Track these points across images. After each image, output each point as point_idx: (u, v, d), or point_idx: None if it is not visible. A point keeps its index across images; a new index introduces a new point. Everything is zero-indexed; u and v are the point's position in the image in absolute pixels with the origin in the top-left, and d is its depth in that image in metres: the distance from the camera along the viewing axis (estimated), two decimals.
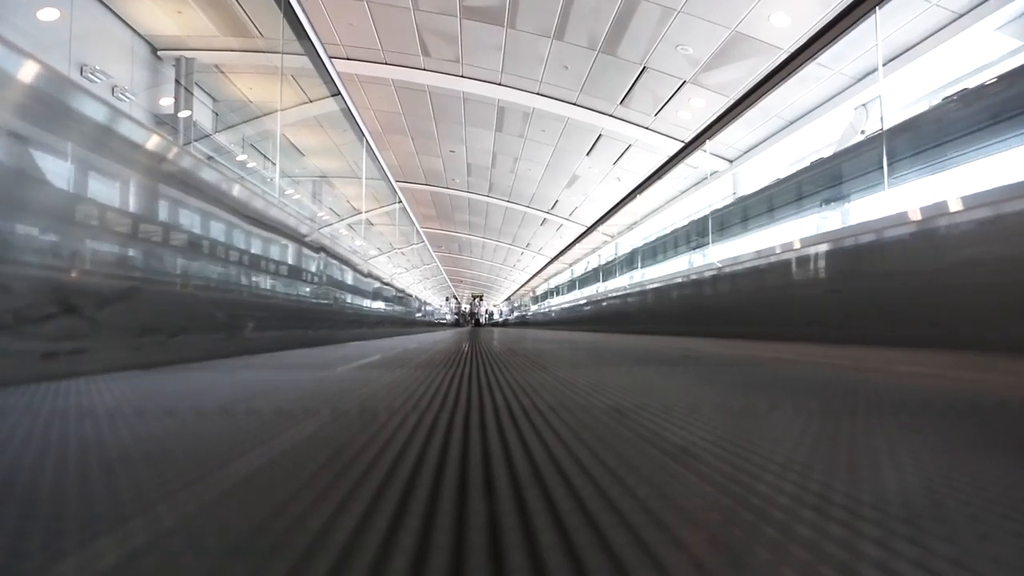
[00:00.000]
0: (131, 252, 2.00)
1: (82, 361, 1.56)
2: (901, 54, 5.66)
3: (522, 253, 22.97)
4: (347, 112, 9.30)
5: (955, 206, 2.50)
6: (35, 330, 1.40)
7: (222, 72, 9.24)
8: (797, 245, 4.11)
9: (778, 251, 4.58)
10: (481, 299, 38.53)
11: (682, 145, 8.84)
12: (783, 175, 6.26)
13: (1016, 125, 2.82)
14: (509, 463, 0.76)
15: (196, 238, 2.48)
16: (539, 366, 2.39)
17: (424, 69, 9.07)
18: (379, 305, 8.84)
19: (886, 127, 3.79)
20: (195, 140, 8.73)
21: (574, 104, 9.24)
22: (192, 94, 8.80)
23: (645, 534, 0.50)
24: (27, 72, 1.59)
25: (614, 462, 0.75)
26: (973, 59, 5.21)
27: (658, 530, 0.51)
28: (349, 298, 6.96)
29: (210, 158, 9.18)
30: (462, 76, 9.09)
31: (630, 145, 10.20)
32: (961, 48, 5.46)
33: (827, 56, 5.91)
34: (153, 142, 2.29)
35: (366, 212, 14.45)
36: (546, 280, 21.39)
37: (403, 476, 0.69)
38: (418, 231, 18.71)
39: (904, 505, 0.58)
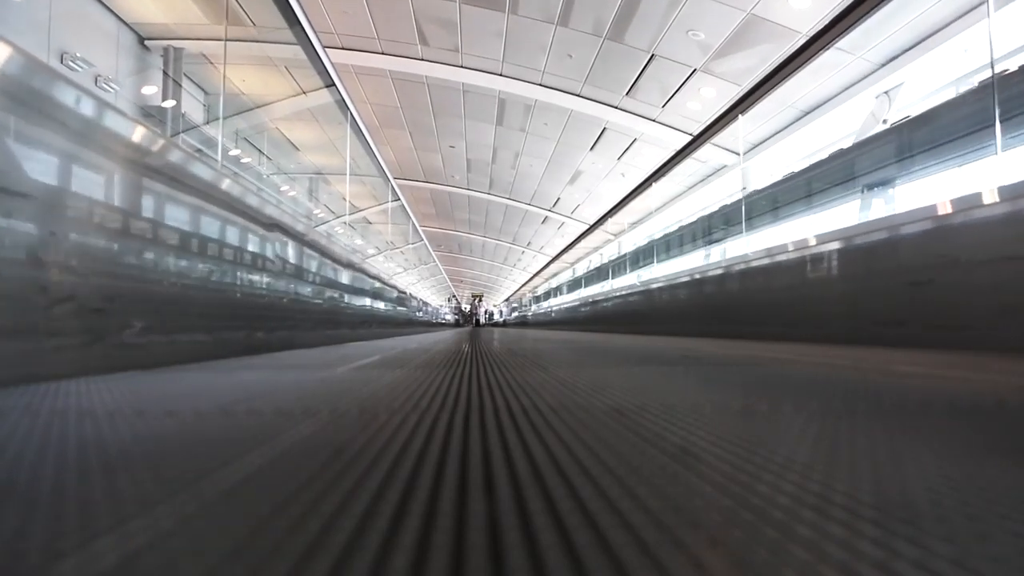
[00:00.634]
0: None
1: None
2: (934, 34, 5.30)
3: (523, 252, 22.65)
4: (342, 104, 8.98)
5: None
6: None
7: (210, 62, 8.91)
8: (831, 239, 3.77)
9: (812, 244, 4.24)
10: (481, 299, 38.34)
11: (690, 138, 8.51)
12: (799, 168, 5.95)
13: None
14: (509, 463, 0.76)
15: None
16: (539, 366, 2.37)
17: (422, 59, 8.71)
18: (378, 306, 8.45)
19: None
20: (183, 131, 8.41)
21: (578, 96, 8.89)
22: (180, 85, 8.47)
23: (645, 534, 0.50)
24: None
25: (614, 462, 0.75)
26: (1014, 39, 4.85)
27: (658, 530, 0.51)
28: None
29: (200, 152, 8.88)
30: (461, 66, 8.74)
31: (635, 139, 9.84)
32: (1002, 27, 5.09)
33: (848, 40, 5.56)
34: (140, 136, 2.22)
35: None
36: (546, 280, 21.18)
37: (403, 476, 0.69)
38: (417, 229, 18.39)
39: (906, 506, 0.58)
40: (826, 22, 4.94)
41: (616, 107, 8.92)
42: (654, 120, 8.99)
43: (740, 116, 6.74)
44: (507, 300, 35.18)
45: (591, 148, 10.89)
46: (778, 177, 6.71)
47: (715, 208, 8.07)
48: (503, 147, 11.98)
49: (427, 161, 13.75)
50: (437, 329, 16.67)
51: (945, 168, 3.62)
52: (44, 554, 0.46)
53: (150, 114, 8.01)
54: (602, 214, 12.99)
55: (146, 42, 8.15)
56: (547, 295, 20.44)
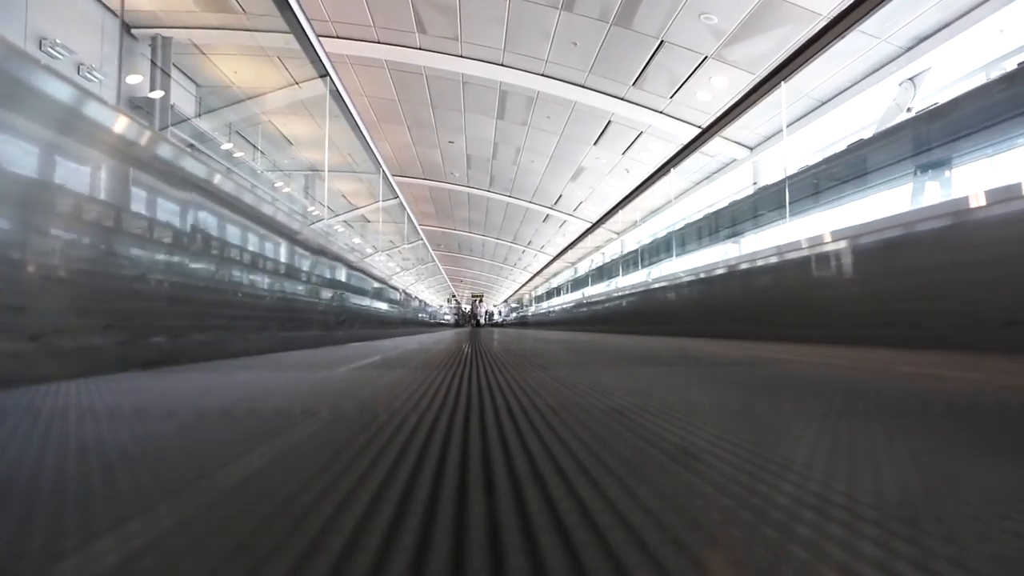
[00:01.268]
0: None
1: None
2: (968, 13, 4.96)
3: (523, 252, 22.35)
4: (336, 95, 8.65)
5: None
6: None
7: (202, 52, 8.58)
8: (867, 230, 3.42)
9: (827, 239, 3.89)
10: (481, 300, 38.11)
11: (699, 131, 8.17)
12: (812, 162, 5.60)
13: None
14: (509, 463, 0.75)
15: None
16: (538, 366, 2.36)
17: (420, 48, 8.37)
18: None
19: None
20: (172, 125, 8.08)
21: (582, 86, 8.54)
22: (169, 76, 8.13)
23: (645, 534, 0.49)
24: None
25: (614, 462, 0.75)
26: None
27: (658, 530, 0.50)
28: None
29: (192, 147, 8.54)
30: (461, 56, 8.39)
31: (642, 132, 9.50)
32: None
33: (873, 22, 5.22)
34: (124, 128, 2.07)
35: (343, 210, 13.80)
36: (547, 280, 20.99)
37: (403, 476, 0.69)
38: (416, 228, 18.08)
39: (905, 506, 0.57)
40: (850, 1, 4.61)
41: (622, 98, 8.57)
42: (661, 112, 8.65)
43: (753, 106, 6.41)
44: (507, 300, 35.04)
45: (595, 143, 10.55)
46: (794, 170, 6.38)
47: (723, 205, 7.77)
48: (504, 142, 11.63)
49: (426, 157, 13.40)
50: (437, 329, 16.50)
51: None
52: (44, 554, 0.46)
53: (138, 106, 7.68)
54: (605, 212, 12.68)
55: (133, 31, 7.80)
56: (547, 295, 20.26)
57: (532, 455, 0.80)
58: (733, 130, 7.81)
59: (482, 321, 36.12)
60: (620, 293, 9.65)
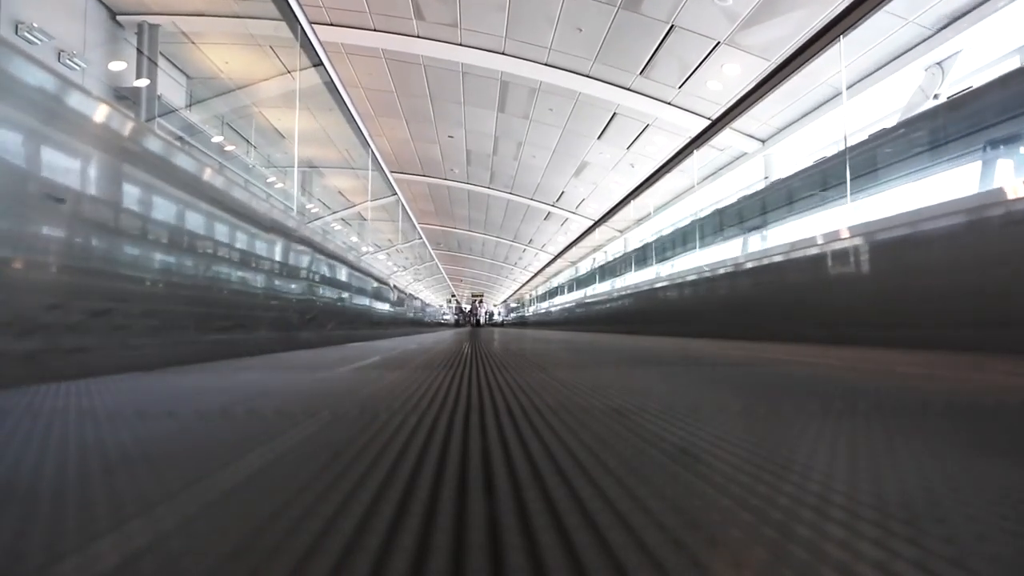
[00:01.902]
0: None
1: None
2: None
3: (524, 250, 22.04)
4: (331, 85, 8.33)
5: None
6: None
7: (191, 41, 8.24)
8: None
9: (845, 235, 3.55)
10: (481, 299, 37.95)
11: (709, 123, 7.83)
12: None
13: None
14: (509, 463, 0.75)
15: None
16: (538, 367, 2.36)
17: (418, 36, 8.03)
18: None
19: None
20: (159, 116, 7.76)
21: (587, 76, 8.20)
22: (156, 65, 7.79)
23: (645, 534, 0.49)
24: None
25: (614, 462, 0.75)
26: None
27: (658, 530, 0.50)
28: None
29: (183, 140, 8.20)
30: (460, 44, 8.05)
31: (648, 125, 9.16)
32: None
33: (902, 2, 4.88)
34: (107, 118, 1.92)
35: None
36: (548, 280, 20.76)
37: (403, 477, 0.69)
38: (415, 226, 17.77)
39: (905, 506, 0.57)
40: None
41: (628, 88, 8.22)
42: (669, 103, 8.31)
43: (771, 92, 6.07)
44: (508, 300, 34.87)
45: (599, 136, 10.21)
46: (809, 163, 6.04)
47: (732, 200, 7.46)
48: (505, 136, 11.29)
49: (425, 153, 13.06)
50: (437, 329, 16.34)
51: None
52: (44, 555, 0.46)
53: (123, 96, 7.35)
54: (608, 209, 12.35)
55: (118, 17, 7.46)
56: (548, 295, 20.05)
57: (532, 455, 0.80)
58: (744, 121, 7.47)
59: (482, 321, 36.09)
60: (623, 292, 9.47)
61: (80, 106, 1.90)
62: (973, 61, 5.27)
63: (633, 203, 11.07)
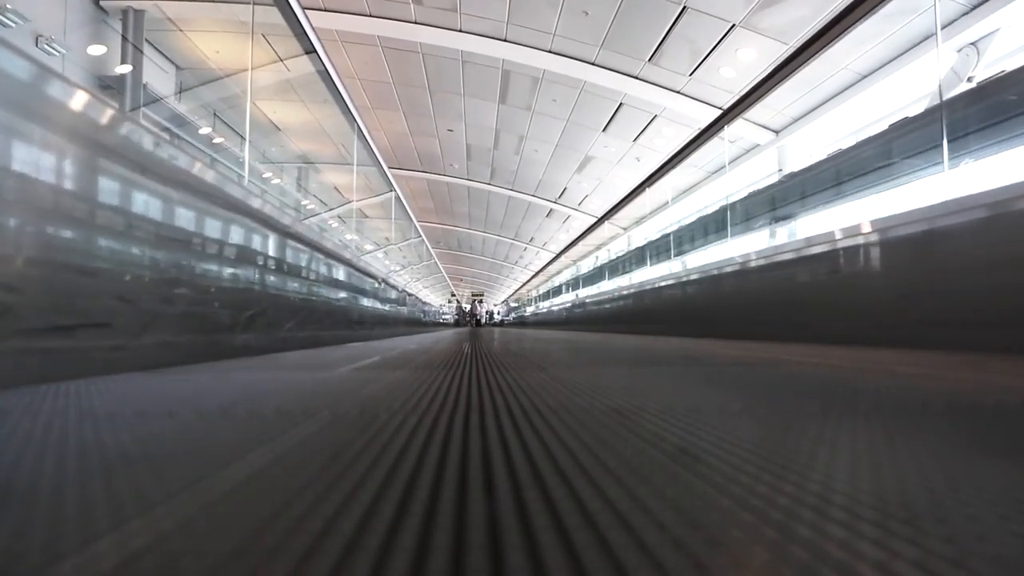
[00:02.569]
0: None
1: None
2: None
3: (525, 249, 21.70)
4: (324, 74, 7.97)
5: None
6: None
7: (180, 29, 7.89)
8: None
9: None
10: (481, 299, 37.79)
11: (720, 112, 7.47)
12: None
13: None
14: (509, 464, 0.75)
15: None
16: (538, 367, 2.35)
17: (416, 23, 7.66)
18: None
19: None
20: (144, 105, 7.41)
21: (592, 64, 7.83)
22: (142, 53, 7.44)
23: (645, 534, 0.49)
24: None
25: (614, 463, 0.75)
26: None
27: (658, 530, 0.50)
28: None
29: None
30: (460, 31, 7.68)
31: (655, 116, 8.79)
32: None
33: None
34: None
35: (326, 204, 13.09)
36: (549, 279, 20.53)
37: (403, 477, 0.68)
38: (414, 225, 17.45)
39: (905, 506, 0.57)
40: None
41: (636, 77, 7.86)
42: (679, 92, 7.94)
43: (790, 77, 5.70)
44: (508, 299, 34.68)
45: (604, 129, 9.84)
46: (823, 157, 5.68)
47: (743, 195, 7.12)
48: (506, 130, 10.92)
49: (424, 147, 12.70)
50: (437, 329, 16.11)
51: None
52: (44, 555, 0.46)
53: (107, 85, 7.00)
54: (612, 205, 12.00)
55: (102, 3, 7.11)
56: (549, 294, 19.81)
57: (532, 455, 0.79)
58: (758, 111, 7.11)
59: (482, 321, 35.97)
60: (626, 291, 9.24)
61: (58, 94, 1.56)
62: (1012, 41, 4.91)
63: (638, 199, 10.73)
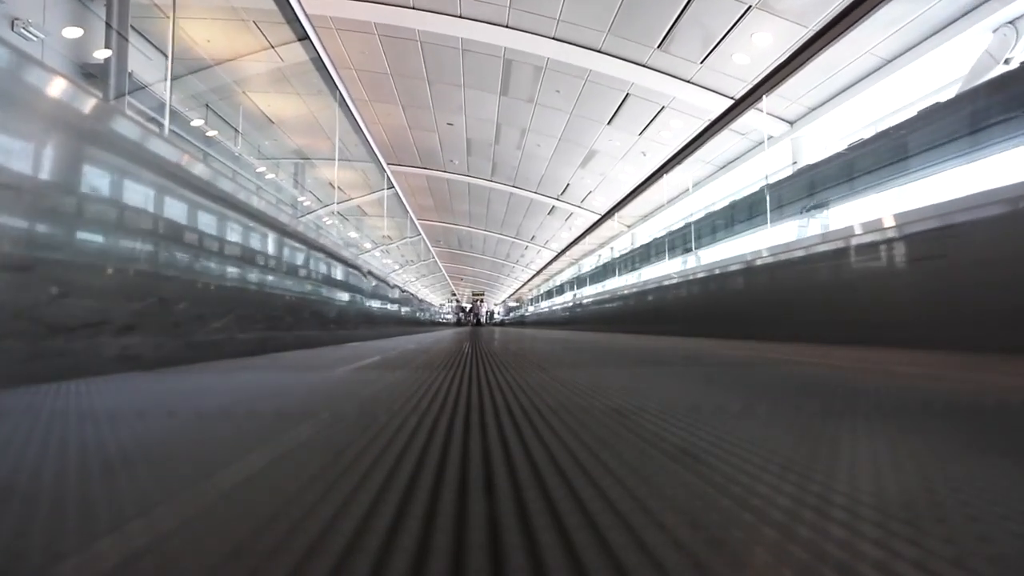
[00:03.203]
0: None
1: None
2: None
3: (526, 247, 21.38)
4: (318, 62, 7.62)
5: None
6: None
7: (167, 16, 7.54)
8: None
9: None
10: (482, 299, 37.68)
11: (732, 102, 7.12)
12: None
13: None
14: (509, 464, 0.75)
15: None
16: (539, 367, 2.33)
17: (413, 8, 7.31)
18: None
19: None
20: (129, 93, 7.07)
21: (599, 51, 7.47)
22: (127, 39, 7.09)
23: (645, 534, 0.49)
24: None
25: (614, 463, 0.75)
26: None
27: (658, 530, 0.50)
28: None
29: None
30: (460, 16, 7.33)
31: (664, 107, 8.44)
32: None
33: None
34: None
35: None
36: (550, 278, 20.28)
37: (403, 477, 0.68)
38: (414, 222, 17.14)
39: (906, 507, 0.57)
40: None
41: (644, 65, 7.50)
42: (689, 81, 7.58)
43: (805, 66, 5.36)
44: (509, 299, 34.51)
45: (609, 121, 9.49)
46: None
47: (753, 190, 6.80)
48: (507, 123, 10.58)
49: (422, 142, 12.35)
50: (437, 328, 15.81)
51: None
52: (44, 555, 0.46)
53: (91, 73, 6.66)
54: (617, 201, 11.65)
55: None
56: (550, 294, 19.57)
57: (532, 455, 0.79)
58: (772, 100, 6.75)
59: (483, 320, 35.91)
60: (628, 291, 9.00)
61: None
62: None
63: (643, 195, 10.40)
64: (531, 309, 23.10)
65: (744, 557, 0.44)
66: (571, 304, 13.95)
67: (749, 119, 7.38)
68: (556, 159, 11.81)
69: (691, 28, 6.46)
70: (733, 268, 5.16)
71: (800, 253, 4.28)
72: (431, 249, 22.26)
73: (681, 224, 8.51)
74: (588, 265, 15.02)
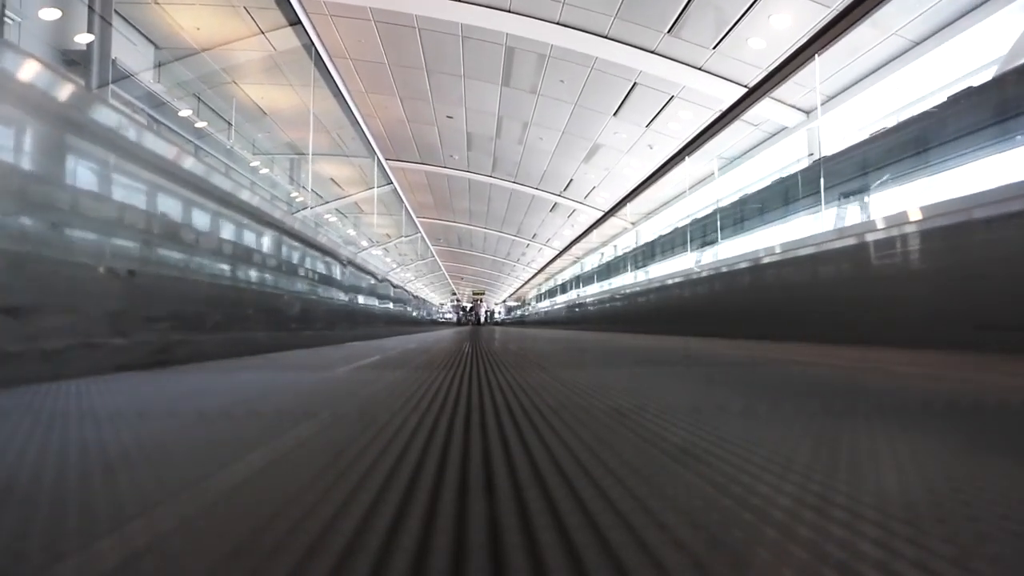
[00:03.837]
0: None
1: None
2: None
3: (527, 246, 21.02)
4: (309, 48, 7.28)
5: None
6: None
7: (156, 2, 7.19)
8: None
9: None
10: (482, 298, 37.52)
11: (746, 91, 6.77)
12: None
13: None
14: (509, 463, 0.74)
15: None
16: (539, 366, 2.32)
17: None
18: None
19: None
20: (113, 82, 6.73)
21: (605, 37, 7.11)
22: (111, 24, 6.74)
23: (645, 534, 0.49)
24: None
25: (614, 462, 0.74)
26: None
27: (658, 530, 0.49)
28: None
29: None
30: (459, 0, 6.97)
31: (673, 96, 8.07)
32: None
33: None
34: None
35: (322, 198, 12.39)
36: (551, 277, 20.01)
37: (404, 477, 0.68)
38: (413, 220, 16.82)
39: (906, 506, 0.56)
40: None
41: (653, 51, 7.14)
42: (700, 68, 7.22)
43: (825, 50, 5.03)
44: (510, 298, 34.30)
45: (615, 113, 9.12)
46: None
47: (763, 184, 6.48)
48: (509, 116, 10.21)
49: (422, 136, 11.99)
50: (438, 328, 15.62)
51: None
52: (44, 555, 0.45)
53: (74, 61, 6.31)
54: (622, 196, 11.31)
55: None
56: (551, 293, 19.29)
57: (532, 455, 0.78)
58: (788, 88, 6.40)
59: (483, 320, 35.76)
60: (629, 290, 8.87)
61: None
62: None
63: (648, 191, 10.05)
64: (532, 308, 22.86)
65: (744, 557, 0.44)
66: (572, 303, 13.68)
67: (763, 109, 7.03)
68: (559, 153, 11.45)
69: (704, 10, 6.10)
70: (741, 266, 4.89)
71: (810, 250, 4.10)
72: (431, 247, 21.92)
73: (687, 222, 8.20)
74: (590, 264, 14.74)
